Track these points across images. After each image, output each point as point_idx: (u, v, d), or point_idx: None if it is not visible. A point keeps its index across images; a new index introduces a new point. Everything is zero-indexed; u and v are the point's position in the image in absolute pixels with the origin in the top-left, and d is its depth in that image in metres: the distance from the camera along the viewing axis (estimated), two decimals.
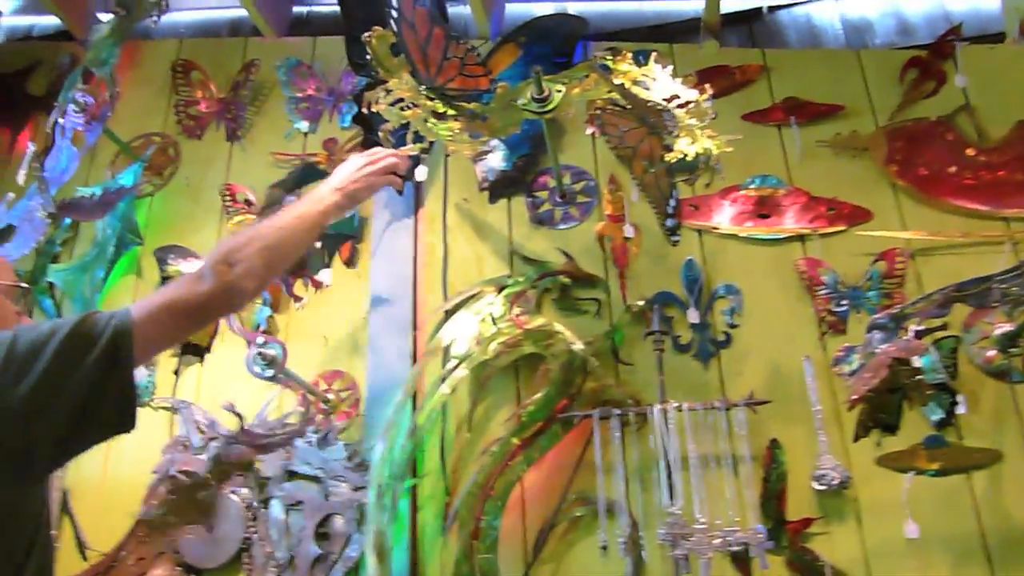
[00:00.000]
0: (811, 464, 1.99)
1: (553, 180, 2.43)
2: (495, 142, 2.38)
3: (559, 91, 1.93)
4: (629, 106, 1.95)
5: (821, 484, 1.95)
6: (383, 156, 1.86)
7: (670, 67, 1.90)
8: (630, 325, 2.22)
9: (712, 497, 1.86)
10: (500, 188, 2.48)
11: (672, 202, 2.03)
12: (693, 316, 2.21)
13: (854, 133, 2.39)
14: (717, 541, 1.80)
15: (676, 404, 1.95)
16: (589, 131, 2.49)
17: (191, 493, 2.08)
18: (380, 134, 2.02)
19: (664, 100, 1.80)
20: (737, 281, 2.25)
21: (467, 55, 1.89)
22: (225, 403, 2.05)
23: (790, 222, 2.29)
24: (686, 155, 1.80)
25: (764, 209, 2.31)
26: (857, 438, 1.85)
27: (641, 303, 2.22)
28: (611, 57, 1.89)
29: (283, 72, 2.75)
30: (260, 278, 1.42)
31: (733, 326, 2.20)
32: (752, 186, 2.34)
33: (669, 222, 2.09)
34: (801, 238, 2.28)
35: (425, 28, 1.88)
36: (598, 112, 2.06)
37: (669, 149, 1.83)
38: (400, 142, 2.00)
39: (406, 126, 2.00)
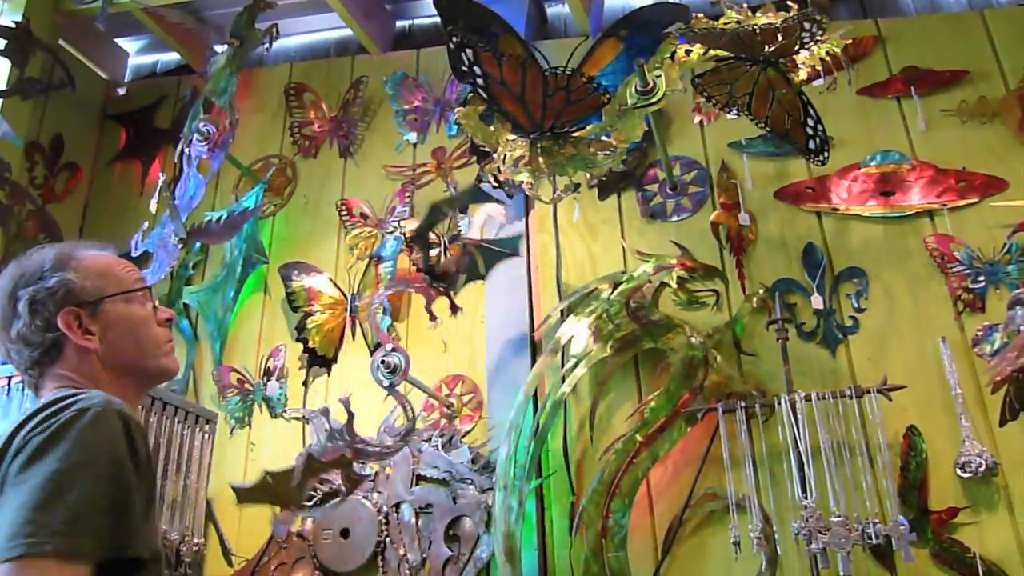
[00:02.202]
0: (954, 451, 1.89)
1: (663, 172, 2.39)
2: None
3: (659, 76, 1.90)
4: (733, 54, 1.91)
5: (966, 472, 1.85)
6: None
7: (744, 4, 1.87)
8: (751, 315, 2.16)
9: (847, 489, 1.79)
10: (610, 184, 2.46)
11: (811, 121, 1.94)
12: (817, 302, 2.13)
13: (982, 99, 2.25)
14: (856, 534, 1.73)
15: (804, 393, 1.88)
16: (697, 119, 2.44)
17: (283, 481, 2.06)
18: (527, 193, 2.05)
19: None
20: (862, 263, 2.16)
21: (570, 82, 1.86)
22: (343, 396, 2.02)
23: (916, 198, 2.18)
24: (815, 65, 1.83)
25: (887, 186, 2.21)
26: (1003, 422, 1.75)
27: (761, 291, 2.17)
28: (684, 27, 1.86)
29: (390, 86, 2.81)
30: None
31: (860, 310, 2.12)
32: (873, 163, 2.24)
33: (811, 143, 1.98)
34: (929, 214, 2.17)
35: (517, 77, 1.85)
36: (696, 83, 2.00)
37: (789, 72, 1.86)
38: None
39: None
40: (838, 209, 2.23)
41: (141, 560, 1.10)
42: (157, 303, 1.38)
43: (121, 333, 1.30)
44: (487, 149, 2.05)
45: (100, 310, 1.29)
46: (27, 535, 0.97)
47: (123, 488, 1.05)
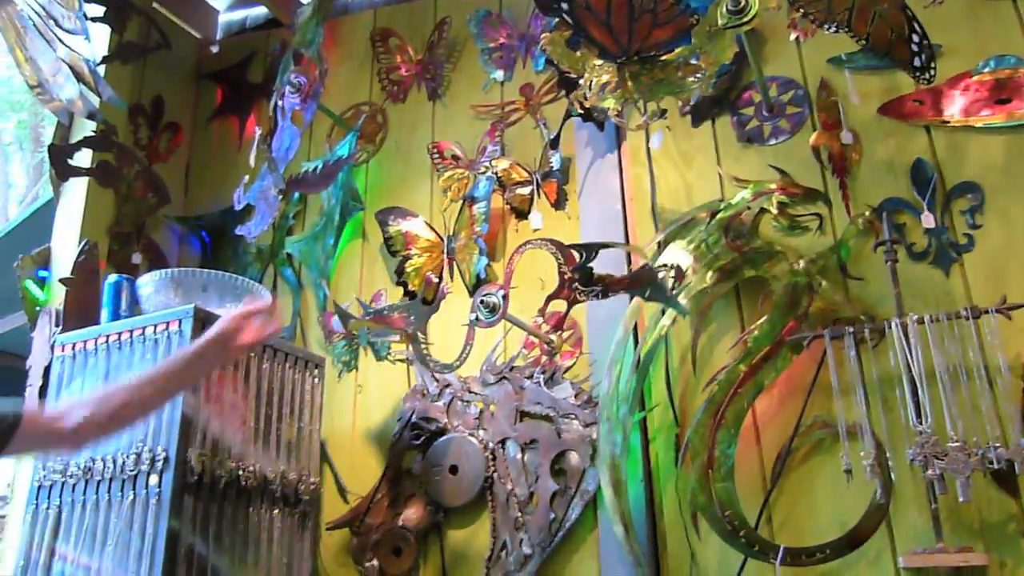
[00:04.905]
0: None
1: (758, 94, 2.31)
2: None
3: None
4: None
5: None
6: (256, 325, 1.71)
7: None
8: (857, 237, 2.09)
9: (965, 413, 1.73)
10: (703, 110, 2.39)
11: (916, 37, 1.84)
12: (928, 220, 2.04)
13: None
14: (975, 459, 1.67)
15: (916, 316, 1.81)
16: (793, 36, 2.34)
17: None
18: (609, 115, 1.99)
19: None
20: (977, 177, 2.05)
21: (656, 3, 1.80)
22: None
23: None
24: None
25: (1003, 93, 2.07)
26: None
27: (867, 212, 2.09)
28: None
29: (474, 25, 2.79)
30: (103, 431, 1.58)
31: (976, 227, 2.01)
32: (986, 69, 2.10)
33: (917, 61, 1.86)
34: None
35: (602, 1, 1.81)
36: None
37: None
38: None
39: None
40: (948, 122, 2.11)
41: None
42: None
43: None
44: (574, 76, 2.01)
45: None
46: None
47: None
